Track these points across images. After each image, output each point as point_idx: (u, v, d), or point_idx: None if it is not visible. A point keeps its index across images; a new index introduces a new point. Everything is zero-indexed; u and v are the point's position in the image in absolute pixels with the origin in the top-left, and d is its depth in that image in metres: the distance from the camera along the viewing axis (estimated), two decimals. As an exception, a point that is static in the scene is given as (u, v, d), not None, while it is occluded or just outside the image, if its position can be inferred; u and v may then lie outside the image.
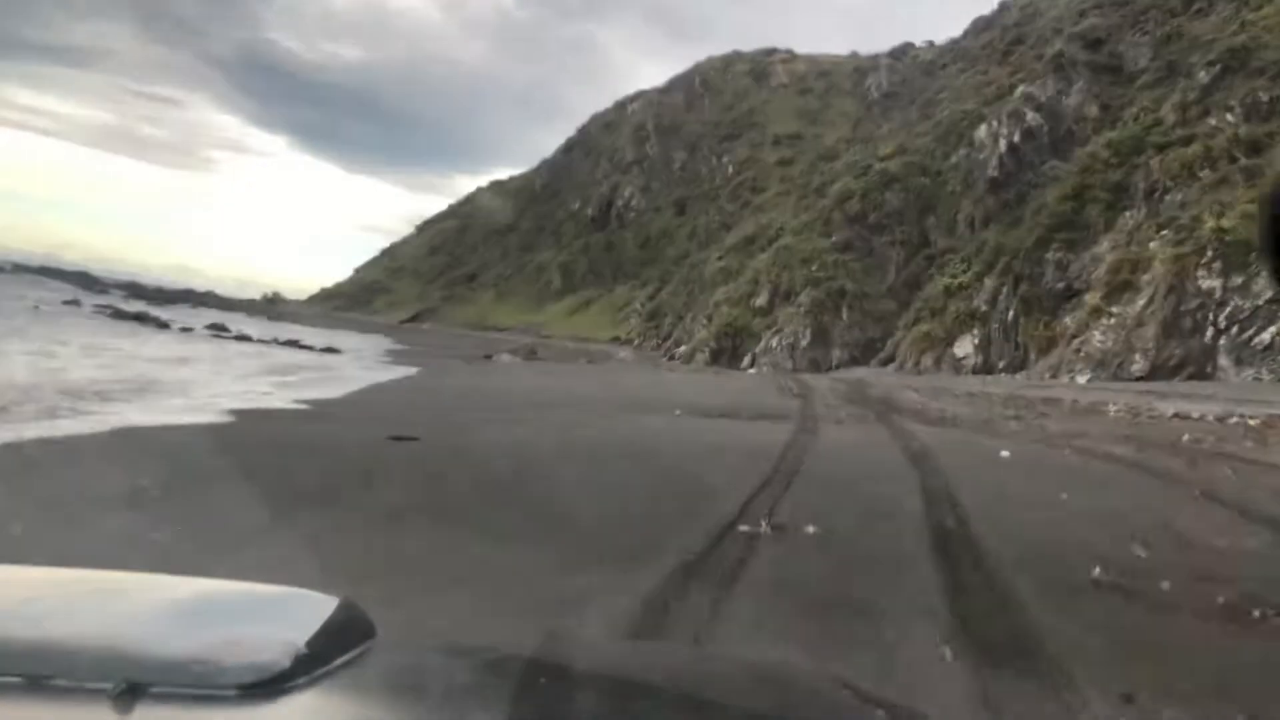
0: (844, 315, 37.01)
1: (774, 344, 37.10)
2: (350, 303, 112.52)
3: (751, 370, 35.38)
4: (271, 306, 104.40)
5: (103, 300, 51.48)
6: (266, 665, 0.91)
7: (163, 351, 25.16)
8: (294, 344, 36.06)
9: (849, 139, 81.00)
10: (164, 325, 37.82)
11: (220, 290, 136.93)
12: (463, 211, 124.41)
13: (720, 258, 52.28)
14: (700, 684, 1.27)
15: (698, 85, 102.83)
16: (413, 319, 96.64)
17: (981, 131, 40.43)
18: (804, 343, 36.51)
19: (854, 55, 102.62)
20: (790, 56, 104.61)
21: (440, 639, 1.65)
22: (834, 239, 39.82)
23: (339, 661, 1.00)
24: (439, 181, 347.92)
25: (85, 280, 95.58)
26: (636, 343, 59.29)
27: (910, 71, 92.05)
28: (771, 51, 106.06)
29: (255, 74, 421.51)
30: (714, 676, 1.38)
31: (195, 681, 0.87)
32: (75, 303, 43.60)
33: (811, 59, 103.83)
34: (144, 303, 69.73)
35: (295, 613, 1.09)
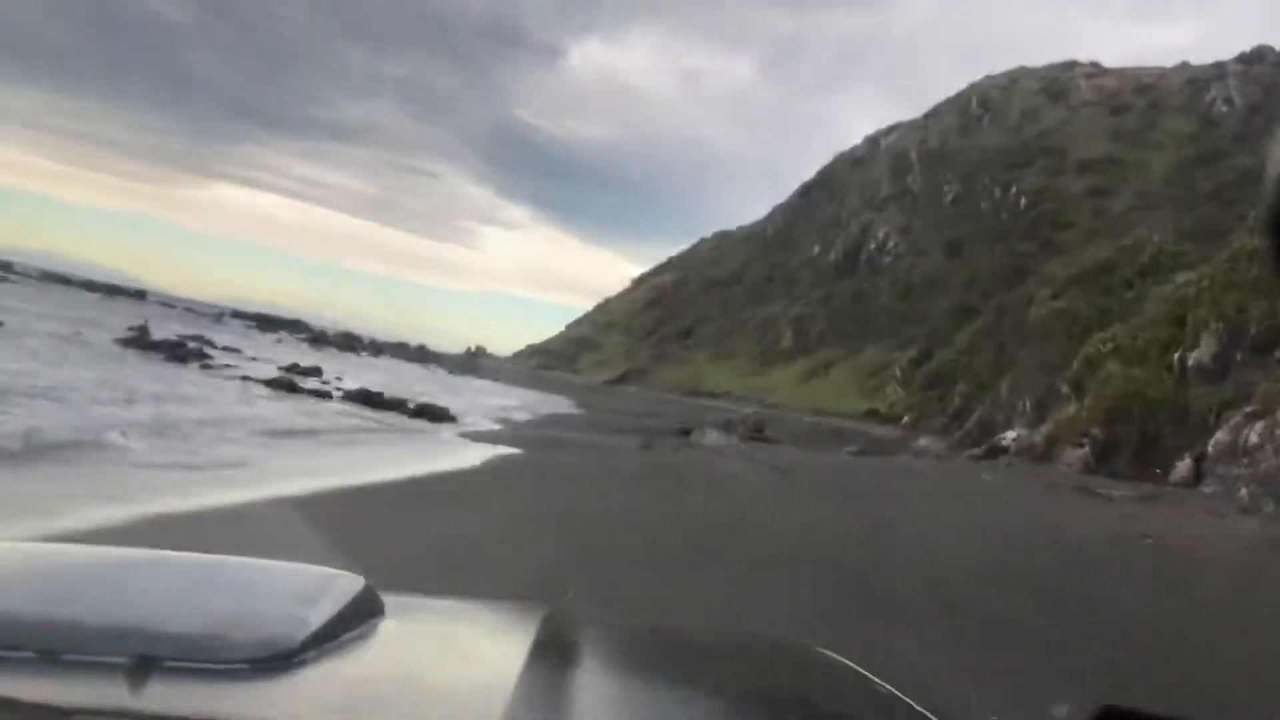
0: None
1: (1250, 439, 18.33)
2: (555, 360, 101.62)
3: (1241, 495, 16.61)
4: (471, 360, 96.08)
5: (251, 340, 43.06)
6: (277, 640, 0.90)
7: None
8: (370, 401, 21.93)
9: (1193, 159, 60.14)
10: (201, 360, 25.51)
11: (434, 346, 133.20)
12: (684, 263, 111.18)
13: (1055, 296, 33.75)
14: (703, 659, 1.30)
15: (974, 106, 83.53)
16: (619, 380, 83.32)
17: None
18: (1330, 442, 17.50)
19: (1184, 65, 79.88)
20: (1097, 70, 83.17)
21: (448, 614, 1.46)
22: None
23: (347, 636, 0.99)
24: (671, 251, 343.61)
25: (288, 326, 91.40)
26: (906, 419, 41.23)
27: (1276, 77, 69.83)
28: (1070, 65, 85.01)
29: (504, 148, 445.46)
30: (716, 651, 1.41)
31: (207, 656, 0.87)
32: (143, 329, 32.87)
33: (1125, 72, 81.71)
34: (307, 345, 61.12)
35: (306, 589, 1.07)
